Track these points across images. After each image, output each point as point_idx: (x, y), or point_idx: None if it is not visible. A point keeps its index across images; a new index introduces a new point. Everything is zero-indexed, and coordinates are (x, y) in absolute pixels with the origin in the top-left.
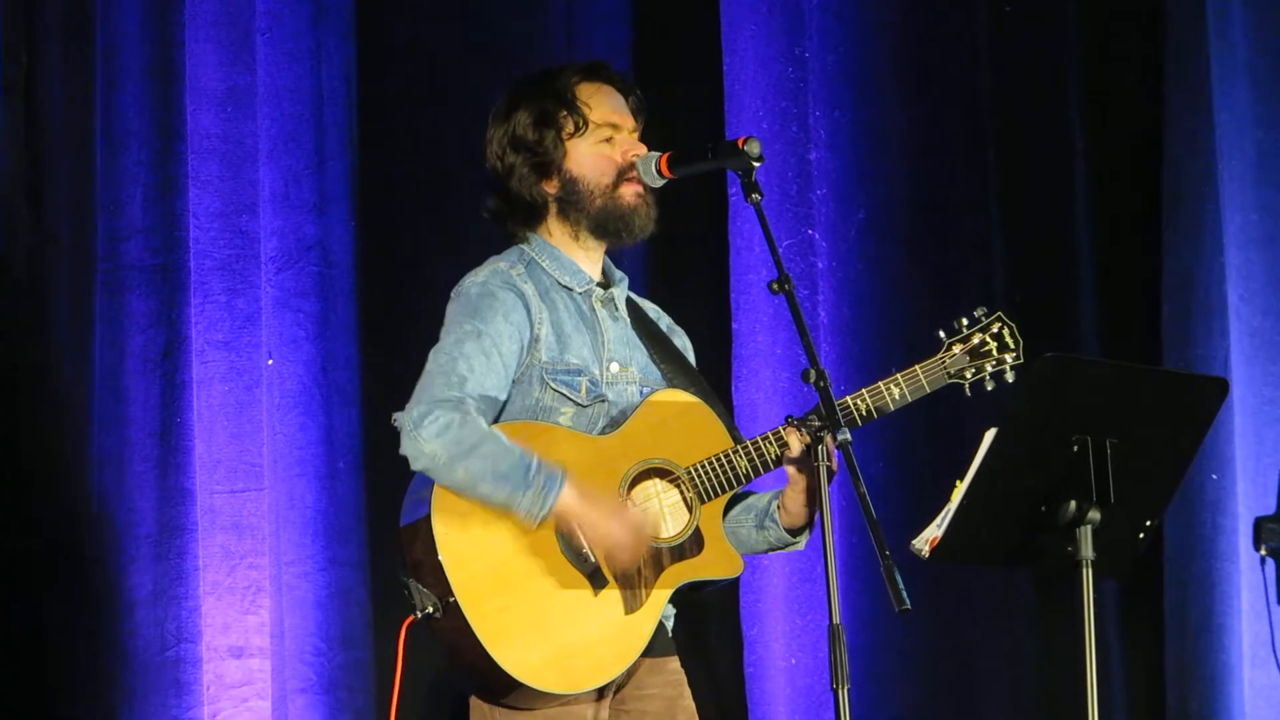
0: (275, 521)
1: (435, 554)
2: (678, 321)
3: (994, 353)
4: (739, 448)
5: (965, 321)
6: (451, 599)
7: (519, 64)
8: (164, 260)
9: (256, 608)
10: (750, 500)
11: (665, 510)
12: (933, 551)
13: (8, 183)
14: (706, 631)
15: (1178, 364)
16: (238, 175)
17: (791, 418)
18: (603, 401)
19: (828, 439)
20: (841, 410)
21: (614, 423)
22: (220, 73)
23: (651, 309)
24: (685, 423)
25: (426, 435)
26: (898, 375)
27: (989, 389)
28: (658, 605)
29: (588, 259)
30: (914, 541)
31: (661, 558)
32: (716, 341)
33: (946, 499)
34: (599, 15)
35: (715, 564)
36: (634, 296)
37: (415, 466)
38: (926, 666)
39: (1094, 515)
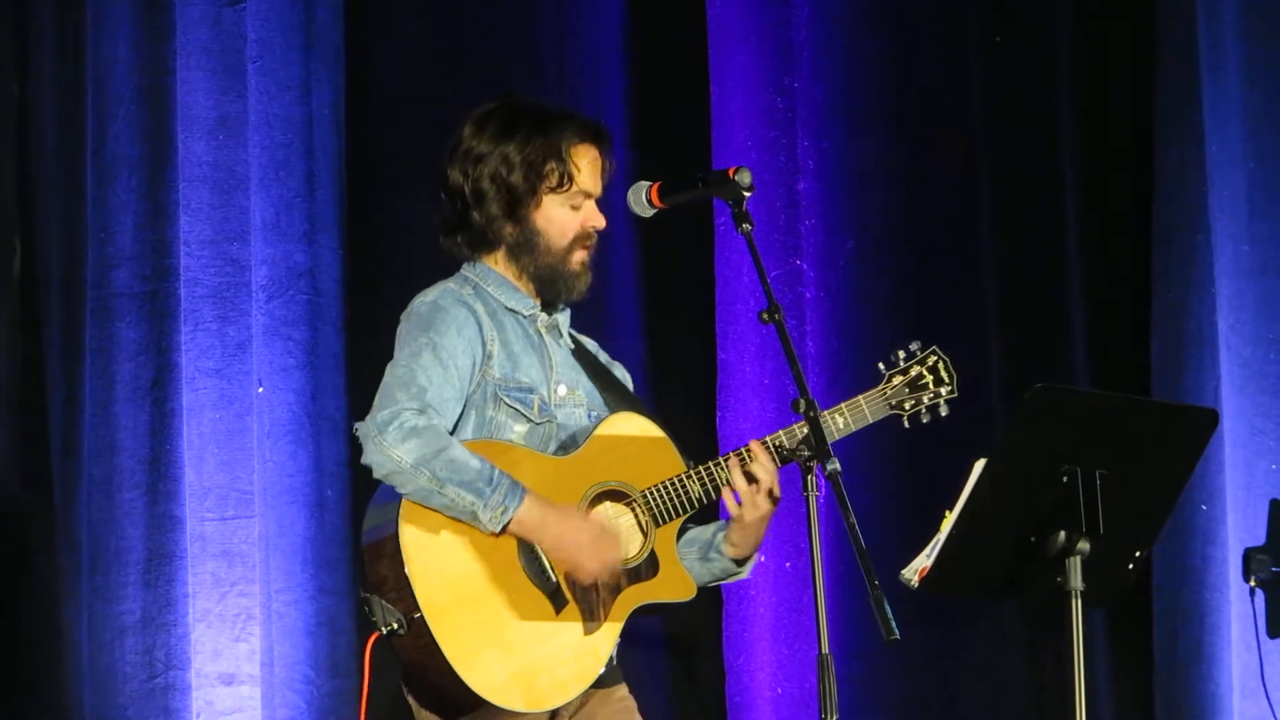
0: (265, 549)
1: (403, 569)
2: (663, 351)
3: (930, 386)
4: (692, 472)
5: (903, 355)
6: (417, 614)
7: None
8: (154, 288)
9: (247, 635)
10: (692, 534)
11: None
12: (922, 581)
13: None
14: (691, 661)
15: (1168, 395)
16: (228, 203)
17: (764, 439)
18: (552, 422)
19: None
20: (787, 436)
21: (564, 446)
22: (211, 101)
23: (590, 343)
24: (639, 447)
25: (391, 441)
26: (842, 405)
27: (924, 421)
28: (616, 626)
29: (531, 290)
30: (903, 571)
31: (619, 579)
32: (703, 371)
33: (936, 529)
34: (589, 46)
35: (670, 587)
36: (573, 332)
37: (379, 473)
38: (915, 697)
39: (1083, 546)
